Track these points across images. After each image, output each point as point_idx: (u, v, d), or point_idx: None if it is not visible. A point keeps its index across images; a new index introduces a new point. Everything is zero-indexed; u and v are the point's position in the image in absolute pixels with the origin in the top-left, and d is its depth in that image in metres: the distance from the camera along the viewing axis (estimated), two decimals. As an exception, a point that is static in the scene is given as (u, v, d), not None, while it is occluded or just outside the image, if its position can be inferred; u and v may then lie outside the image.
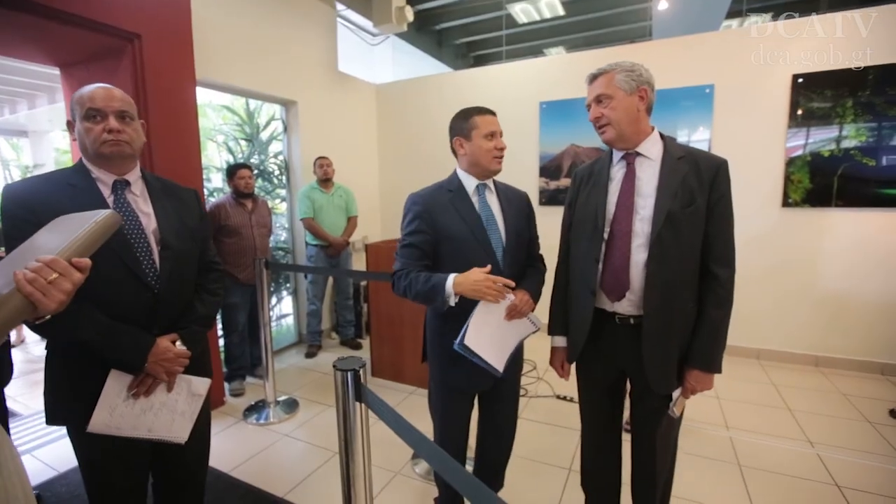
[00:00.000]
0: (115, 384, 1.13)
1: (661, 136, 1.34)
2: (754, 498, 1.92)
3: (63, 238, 0.85)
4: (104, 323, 1.08)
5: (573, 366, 1.54)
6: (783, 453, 2.25)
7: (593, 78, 1.33)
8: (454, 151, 1.51)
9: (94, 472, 1.20)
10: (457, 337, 1.33)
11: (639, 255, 1.28)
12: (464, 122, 1.47)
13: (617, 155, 1.38)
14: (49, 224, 0.94)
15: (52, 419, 1.16)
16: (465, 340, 1.33)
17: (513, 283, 1.33)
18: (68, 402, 1.15)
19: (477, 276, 1.30)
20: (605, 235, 1.34)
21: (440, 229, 1.44)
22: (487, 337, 1.38)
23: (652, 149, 1.32)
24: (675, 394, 1.33)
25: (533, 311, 1.49)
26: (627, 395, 1.53)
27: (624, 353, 1.36)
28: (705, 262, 1.29)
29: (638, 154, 1.32)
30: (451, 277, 1.32)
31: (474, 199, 1.48)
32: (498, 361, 1.41)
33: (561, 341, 1.52)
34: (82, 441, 1.17)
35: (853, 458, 2.20)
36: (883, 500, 1.90)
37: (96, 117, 1.12)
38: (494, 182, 1.56)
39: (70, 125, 1.17)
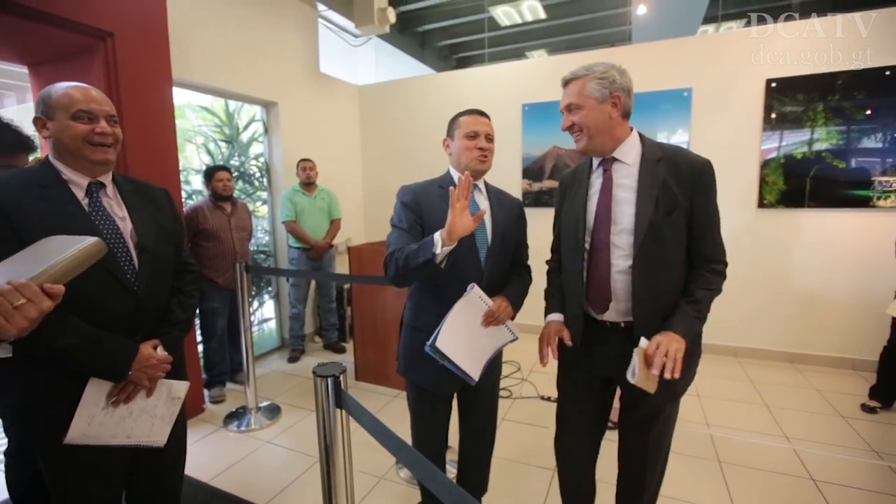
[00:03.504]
0: (94, 393, 1.10)
1: (641, 137, 1.31)
2: (734, 494, 1.96)
3: (41, 262, 0.83)
4: (87, 332, 1.05)
5: (556, 364, 1.45)
6: (761, 449, 2.30)
7: (566, 83, 1.29)
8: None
9: (68, 488, 1.14)
10: (429, 338, 1.31)
11: (620, 267, 1.25)
12: (452, 123, 1.50)
13: (595, 161, 1.35)
14: (34, 244, 0.92)
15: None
16: (437, 343, 1.29)
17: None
18: (38, 415, 1.10)
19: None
20: (587, 246, 1.31)
21: (427, 222, 1.43)
22: (463, 342, 1.35)
23: (629, 153, 1.28)
24: (636, 353, 1.16)
25: (512, 319, 1.47)
26: (617, 398, 1.49)
27: (613, 359, 1.30)
28: (696, 263, 1.26)
29: (615, 160, 1.29)
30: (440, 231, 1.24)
31: None
32: (473, 369, 1.38)
33: (557, 317, 1.41)
34: (54, 454, 1.12)
35: (827, 451, 2.26)
36: (855, 492, 1.96)
37: (85, 118, 1.10)
38: (486, 185, 1.55)
39: (39, 121, 1.12)
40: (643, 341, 1.16)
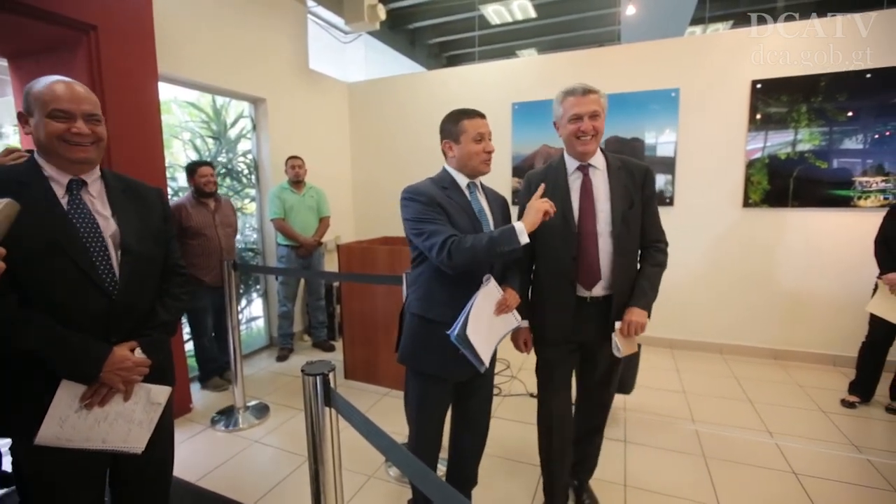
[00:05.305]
0: (67, 394, 1.07)
1: (601, 149, 1.60)
2: (718, 488, 1.99)
3: None
4: (54, 332, 1.02)
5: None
6: (745, 444, 2.34)
7: (588, 92, 1.49)
8: (444, 153, 1.55)
9: (44, 491, 1.12)
10: (444, 326, 1.37)
11: (605, 250, 1.54)
12: (453, 126, 1.49)
13: (571, 166, 1.59)
14: None
15: None
16: (466, 331, 1.36)
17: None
18: (11, 411, 1.08)
19: (536, 204, 1.35)
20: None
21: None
22: (482, 330, 1.42)
23: (599, 161, 1.59)
24: (614, 335, 1.53)
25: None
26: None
27: (588, 326, 1.60)
28: (645, 244, 1.63)
29: (590, 165, 1.57)
30: (518, 222, 1.35)
31: (466, 194, 1.53)
32: (486, 355, 1.45)
33: (524, 323, 1.68)
34: (29, 455, 1.10)
35: (808, 446, 2.31)
36: (835, 485, 2.01)
37: (62, 117, 1.07)
38: (481, 184, 1.62)
39: (22, 117, 1.10)
40: (617, 324, 1.54)
